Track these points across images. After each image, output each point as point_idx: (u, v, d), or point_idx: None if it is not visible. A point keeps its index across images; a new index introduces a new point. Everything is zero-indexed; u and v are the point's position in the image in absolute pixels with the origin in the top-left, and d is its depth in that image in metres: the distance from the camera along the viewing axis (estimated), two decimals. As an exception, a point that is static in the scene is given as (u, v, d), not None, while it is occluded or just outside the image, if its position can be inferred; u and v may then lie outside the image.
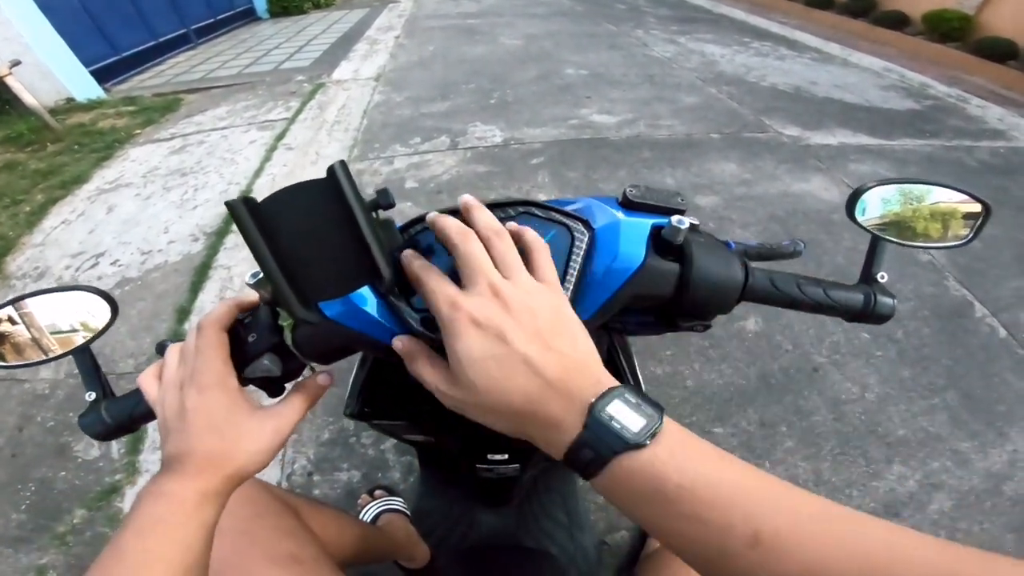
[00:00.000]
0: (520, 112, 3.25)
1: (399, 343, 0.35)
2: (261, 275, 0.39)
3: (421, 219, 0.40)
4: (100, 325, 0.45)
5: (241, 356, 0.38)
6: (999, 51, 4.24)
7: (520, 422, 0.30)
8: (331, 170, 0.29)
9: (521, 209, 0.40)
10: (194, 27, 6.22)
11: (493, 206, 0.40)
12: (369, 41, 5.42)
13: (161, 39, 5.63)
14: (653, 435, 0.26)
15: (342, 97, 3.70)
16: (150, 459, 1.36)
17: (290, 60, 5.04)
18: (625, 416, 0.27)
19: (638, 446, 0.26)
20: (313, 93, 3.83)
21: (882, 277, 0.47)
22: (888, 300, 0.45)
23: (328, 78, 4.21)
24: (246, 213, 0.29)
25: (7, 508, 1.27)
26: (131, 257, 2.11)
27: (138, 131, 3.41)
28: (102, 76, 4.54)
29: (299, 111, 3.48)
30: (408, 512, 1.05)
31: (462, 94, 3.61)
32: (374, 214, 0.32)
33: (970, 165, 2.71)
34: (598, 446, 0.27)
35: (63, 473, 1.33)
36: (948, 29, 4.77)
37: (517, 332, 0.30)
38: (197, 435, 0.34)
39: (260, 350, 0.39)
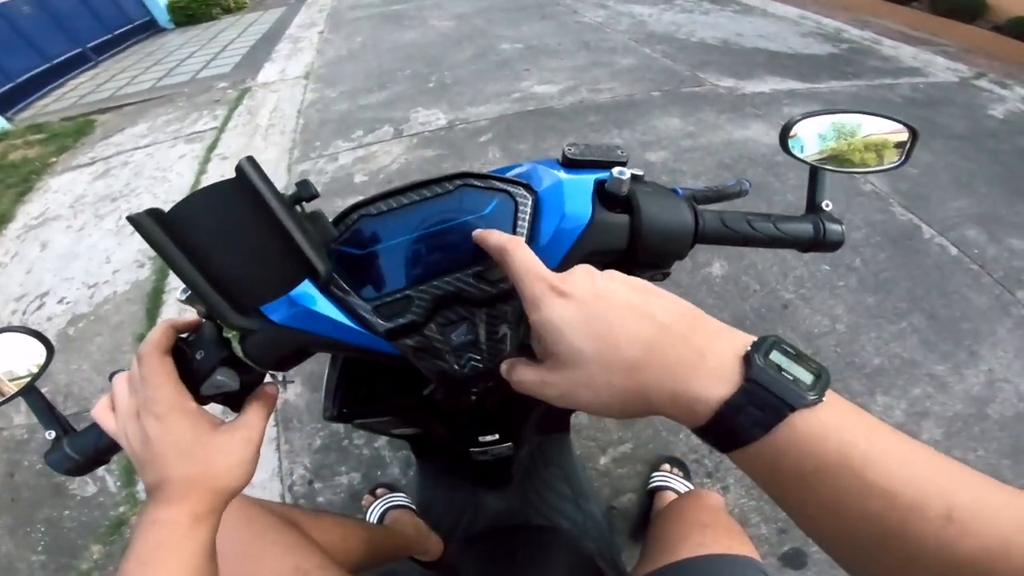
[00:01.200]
0: (461, 92, 3.20)
1: (505, 367, 0.33)
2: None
3: (355, 208, 0.39)
4: (38, 364, 0.43)
5: (192, 375, 0.37)
6: (902, -7, 4.47)
7: (644, 387, 0.25)
8: (239, 168, 0.28)
9: (459, 182, 0.39)
10: (90, 45, 5.81)
11: (427, 183, 0.39)
12: (291, 40, 5.15)
13: (55, 60, 5.27)
14: (825, 389, 0.23)
15: (272, 99, 3.53)
16: (147, 488, 1.32)
17: (207, 68, 4.74)
18: (790, 366, 0.24)
19: (815, 403, 0.22)
20: (240, 99, 3.63)
21: (827, 205, 0.48)
22: (836, 227, 0.47)
23: (253, 81, 4.00)
24: (154, 226, 0.27)
25: (25, 551, 1.25)
26: (78, 292, 1.98)
27: (53, 159, 3.15)
28: (0, 106, 4.17)
29: (228, 118, 3.31)
30: (413, 506, 1.02)
31: (399, 81, 3.52)
32: (299, 207, 0.31)
33: (895, 101, 2.86)
34: (767, 403, 0.22)
35: (67, 512, 1.31)
36: (853, -29, 4.98)
37: (613, 291, 0.28)
38: (170, 462, 0.33)
39: (211, 366, 0.37)
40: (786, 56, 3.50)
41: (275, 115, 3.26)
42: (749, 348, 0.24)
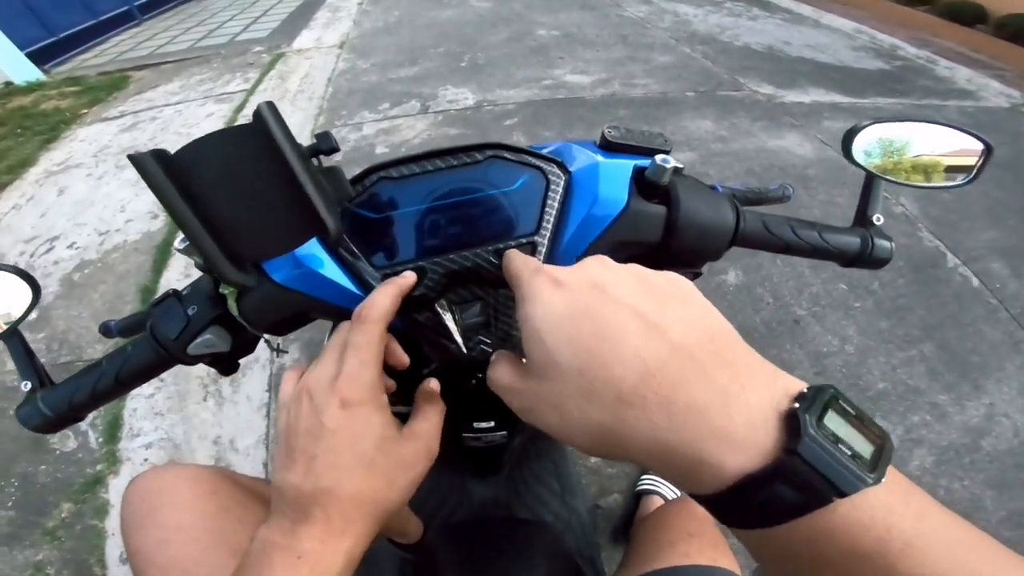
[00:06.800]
0: (492, 74, 3.15)
1: (494, 356, 0.28)
2: None
3: (374, 169, 0.35)
4: (22, 307, 0.40)
5: (182, 331, 0.34)
6: (967, 14, 4.26)
7: (628, 429, 0.19)
8: (257, 113, 0.25)
9: (489, 153, 0.36)
10: (137, 3, 5.88)
11: (455, 151, 0.36)
12: (331, 8, 5.14)
13: (101, 17, 5.34)
14: (886, 467, 0.18)
15: (304, 66, 3.52)
16: (129, 447, 1.30)
17: (246, 31, 4.76)
18: (848, 434, 0.18)
19: (872, 485, 0.17)
20: (273, 63, 3.63)
21: (878, 219, 0.45)
22: (886, 243, 0.43)
23: (288, 48, 4.00)
24: (156, 166, 0.25)
25: None
26: (88, 239, 1.99)
27: (84, 111, 3.19)
28: (40, 58, 4.26)
29: (258, 82, 3.31)
30: None
31: (431, 58, 3.48)
32: (315, 161, 0.28)
33: (938, 124, 2.76)
34: (809, 484, 0.16)
35: (43, 467, 1.29)
36: (917, -9, 4.77)
37: (622, 283, 0.22)
38: (343, 470, 0.25)
39: (202, 323, 0.35)
40: (833, 68, 3.37)
41: (305, 81, 3.25)
42: (796, 404, 0.18)
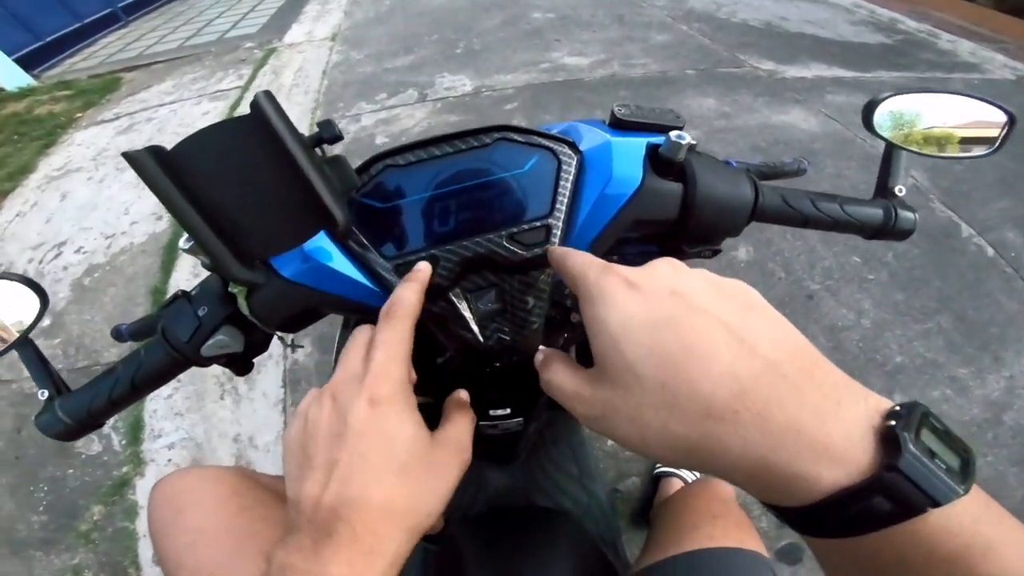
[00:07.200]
0: (489, 60, 3.12)
1: (540, 357, 0.27)
2: None
3: (380, 157, 0.34)
4: (32, 315, 0.40)
5: (193, 333, 0.34)
6: (969, -12, 4.20)
7: (718, 444, 0.19)
8: (255, 103, 0.24)
9: (497, 135, 0.35)
10: (121, 5, 5.82)
11: (462, 135, 0.35)
12: (320, 1, 5.07)
13: (85, 20, 5.29)
14: (973, 477, 0.18)
15: (297, 60, 3.49)
16: (152, 448, 1.31)
17: (235, 28, 4.70)
18: (940, 449, 0.18)
19: (962, 495, 0.18)
20: (265, 59, 3.59)
21: (900, 191, 0.44)
22: (909, 215, 0.42)
23: (280, 42, 3.95)
24: (153, 164, 0.24)
25: (26, 511, 1.24)
26: (95, 243, 1.98)
27: (79, 114, 3.16)
28: (27, 64, 4.21)
29: (252, 78, 3.28)
30: None
31: (426, 46, 3.44)
32: (319, 150, 0.28)
33: (945, 97, 2.73)
34: (906, 496, 0.17)
35: (70, 471, 1.30)
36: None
37: (702, 291, 0.21)
38: (371, 475, 0.22)
39: (214, 324, 0.34)
40: (833, 43, 3.32)
41: (299, 75, 3.22)
42: (892, 422, 0.18)
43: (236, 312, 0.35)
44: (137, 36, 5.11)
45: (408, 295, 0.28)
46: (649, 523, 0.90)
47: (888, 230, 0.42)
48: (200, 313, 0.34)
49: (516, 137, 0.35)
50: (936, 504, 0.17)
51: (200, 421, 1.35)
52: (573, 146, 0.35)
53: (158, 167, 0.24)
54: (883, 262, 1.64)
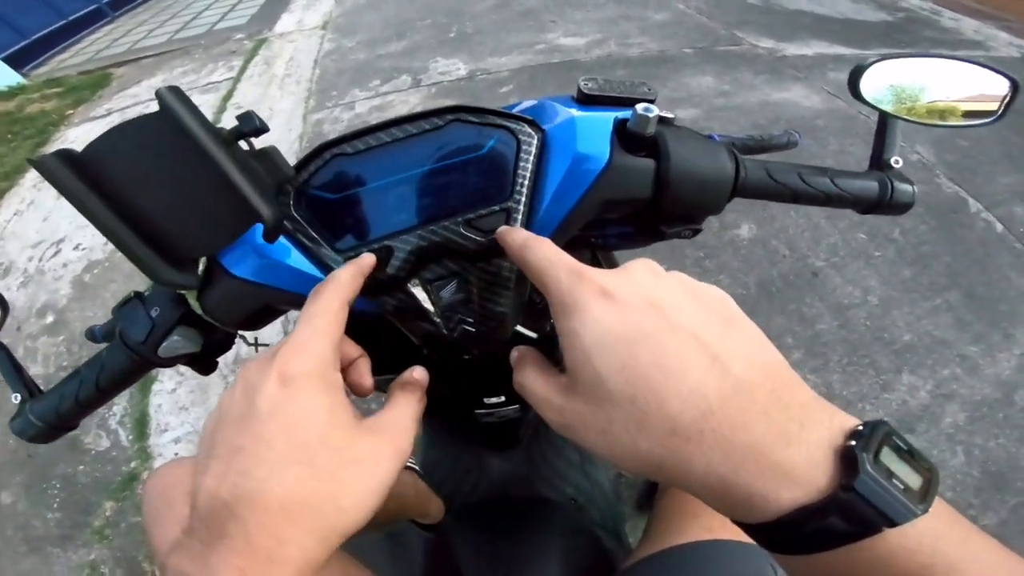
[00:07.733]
0: (483, 43, 3.07)
1: (515, 355, 0.26)
2: None
3: (327, 147, 0.32)
4: None
5: (148, 334, 0.33)
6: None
7: (681, 462, 0.19)
8: (159, 98, 0.23)
9: (450, 117, 0.32)
10: (106, 0, 5.76)
11: (413, 118, 0.32)
12: (309, -11, 5.00)
13: (70, 17, 5.25)
14: (934, 498, 0.18)
15: (289, 50, 3.44)
16: (159, 443, 1.31)
17: (224, 20, 4.63)
18: (901, 469, 0.18)
19: (920, 515, 0.18)
20: (256, 50, 3.55)
21: (896, 162, 0.41)
22: (907, 187, 0.40)
23: (270, 32, 3.90)
24: (63, 168, 0.23)
25: (42, 509, 1.26)
26: (93, 239, 1.97)
27: (70, 111, 3.14)
28: (15, 62, 4.17)
29: (243, 69, 3.24)
30: (417, 467, 1.00)
31: (418, 31, 3.39)
32: (246, 144, 0.27)
33: (950, 74, 2.69)
34: (862, 516, 0.17)
35: (81, 467, 1.31)
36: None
37: (679, 303, 0.21)
38: (272, 465, 0.19)
39: (168, 325, 0.33)
40: (834, 21, 3.26)
41: (291, 65, 3.18)
42: (852, 442, 0.18)
43: (190, 312, 0.34)
44: (125, 31, 5.05)
45: (341, 274, 0.26)
46: (652, 509, 0.89)
47: (884, 204, 0.39)
48: (153, 314, 0.33)
49: (471, 118, 0.33)
50: (892, 524, 0.17)
51: (205, 414, 1.35)
52: (535, 124, 0.33)
53: (69, 171, 0.23)
54: (890, 238, 1.61)
